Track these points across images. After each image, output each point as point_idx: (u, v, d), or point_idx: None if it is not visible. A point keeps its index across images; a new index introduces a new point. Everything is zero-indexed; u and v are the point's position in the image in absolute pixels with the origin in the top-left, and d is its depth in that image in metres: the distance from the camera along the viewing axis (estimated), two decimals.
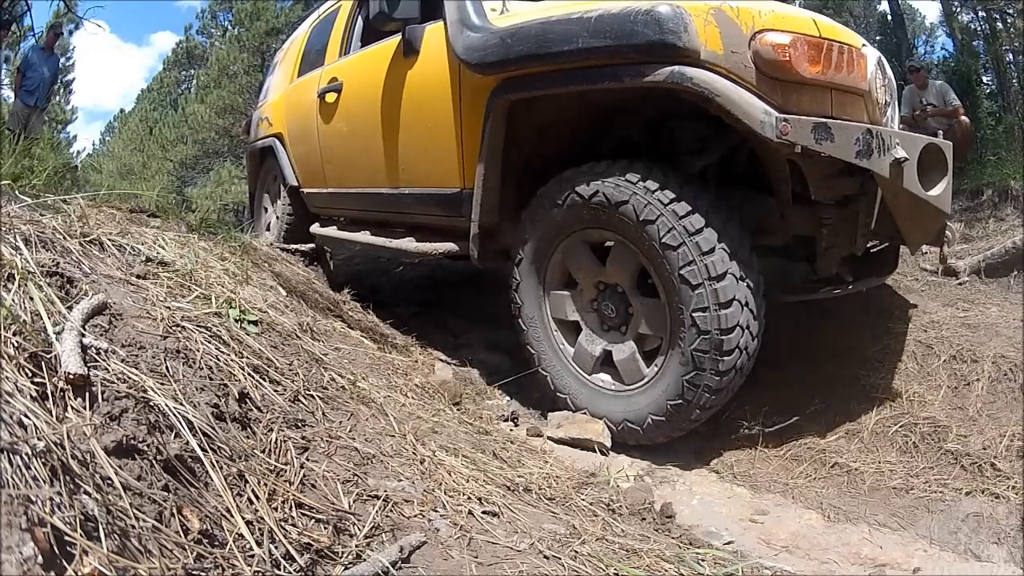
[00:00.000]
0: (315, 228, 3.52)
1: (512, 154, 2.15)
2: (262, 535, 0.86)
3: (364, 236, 3.01)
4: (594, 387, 2.03)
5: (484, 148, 2.11)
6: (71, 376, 0.84)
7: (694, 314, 1.69)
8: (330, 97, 3.08)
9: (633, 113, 2.12)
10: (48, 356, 0.86)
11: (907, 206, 1.79)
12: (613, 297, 2.00)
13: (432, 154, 2.42)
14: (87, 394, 0.85)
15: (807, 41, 1.65)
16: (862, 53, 1.82)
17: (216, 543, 0.81)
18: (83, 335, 0.94)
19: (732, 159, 2.08)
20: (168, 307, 1.21)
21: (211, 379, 1.08)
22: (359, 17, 3.22)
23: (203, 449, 0.91)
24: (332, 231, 3.35)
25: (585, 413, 2.01)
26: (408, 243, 2.64)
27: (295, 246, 3.22)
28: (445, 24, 2.28)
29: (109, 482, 0.75)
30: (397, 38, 2.53)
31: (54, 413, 0.79)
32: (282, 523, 0.90)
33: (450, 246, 2.45)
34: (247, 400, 1.12)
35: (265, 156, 4.11)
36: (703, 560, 1.23)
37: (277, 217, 3.94)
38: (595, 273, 2.02)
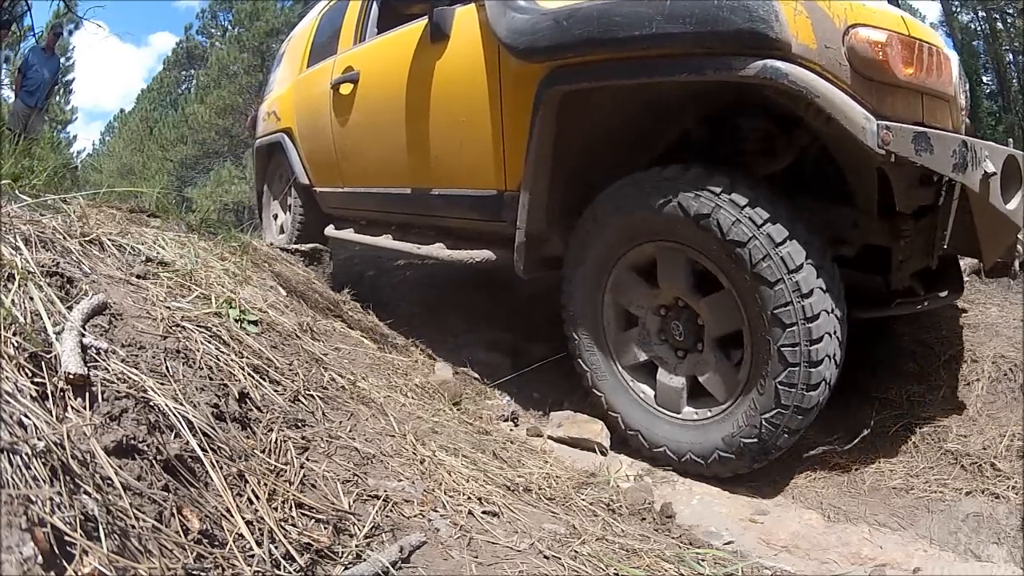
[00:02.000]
0: (330, 231, 3.31)
1: (562, 152, 1.93)
2: (262, 535, 0.86)
3: (386, 240, 2.80)
4: (644, 405, 1.88)
5: (533, 146, 1.88)
6: (71, 376, 0.84)
7: (779, 386, 1.56)
8: (345, 88, 2.83)
9: (694, 107, 1.91)
10: (48, 356, 0.86)
11: (989, 220, 1.69)
12: (688, 323, 1.80)
13: (467, 152, 2.19)
14: (87, 394, 0.85)
15: (900, 40, 1.51)
16: (946, 55, 1.68)
17: (216, 543, 0.81)
18: (83, 335, 0.94)
19: (801, 162, 1.90)
20: (168, 307, 1.21)
21: (211, 379, 1.08)
22: (374, 2, 2.98)
23: (203, 449, 0.91)
24: (349, 234, 3.13)
25: (640, 437, 1.85)
26: (437, 249, 2.41)
27: (295, 246, 3.19)
28: (479, 5, 2.06)
29: (109, 482, 0.75)
30: (420, 22, 2.31)
31: (54, 413, 0.79)
32: (282, 523, 0.90)
33: (487, 254, 2.23)
34: (247, 400, 1.12)
35: (273, 153, 3.87)
36: (703, 560, 1.23)
37: (288, 218, 3.74)
38: (666, 295, 1.81)
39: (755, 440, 1.62)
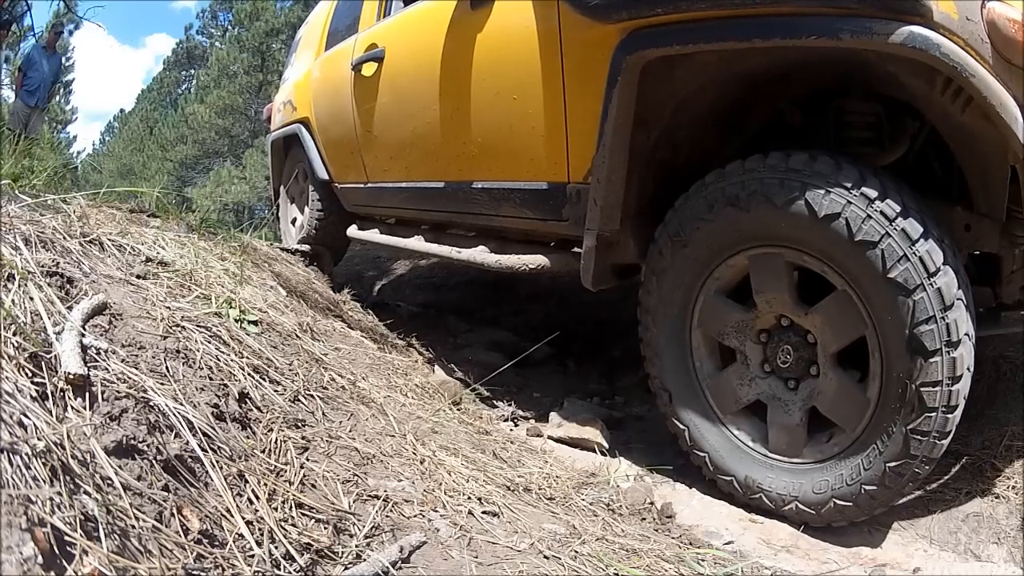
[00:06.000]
0: (353, 231, 3.06)
1: (640, 137, 1.62)
2: (262, 535, 0.86)
3: (417, 242, 2.52)
4: (754, 455, 1.61)
5: (609, 126, 1.55)
6: (71, 376, 0.84)
7: (910, 432, 1.32)
8: (368, 68, 2.50)
9: (793, 84, 1.64)
10: (48, 356, 0.86)
11: None
12: (796, 344, 1.53)
13: (519, 136, 1.87)
14: (87, 394, 0.85)
15: None
16: None
17: (216, 543, 0.81)
18: (83, 335, 0.94)
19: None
20: (168, 307, 1.21)
21: (211, 379, 1.08)
22: None
23: (203, 449, 0.91)
24: (374, 235, 2.86)
25: (763, 496, 1.55)
26: (480, 254, 2.12)
27: (295, 246, 3.18)
28: None
29: (109, 482, 0.75)
30: None
31: (54, 413, 0.79)
32: (282, 523, 0.90)
33: (541, 260, 1.93)
34: (247, 400, 1.12)
35: (290, 147, 3.55)
36: (703, 560, 1.23)
37: (304, 217, 3.46)
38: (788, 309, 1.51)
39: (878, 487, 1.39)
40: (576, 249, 1.85)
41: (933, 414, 1.30)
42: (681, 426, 1.67)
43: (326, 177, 3.09)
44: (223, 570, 0.77)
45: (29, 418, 0.74)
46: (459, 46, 2.01)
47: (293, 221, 3.74)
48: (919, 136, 1.58)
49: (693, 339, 1.65)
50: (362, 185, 2.82)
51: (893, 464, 1.36)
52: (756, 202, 1.43)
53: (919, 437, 1.32)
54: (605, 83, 1.56)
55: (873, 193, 1.31)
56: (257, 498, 0.91)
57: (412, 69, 2.29)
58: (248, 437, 1.04)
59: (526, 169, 1.88)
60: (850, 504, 1.43)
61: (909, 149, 1.59)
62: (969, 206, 1.50)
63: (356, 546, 0.93)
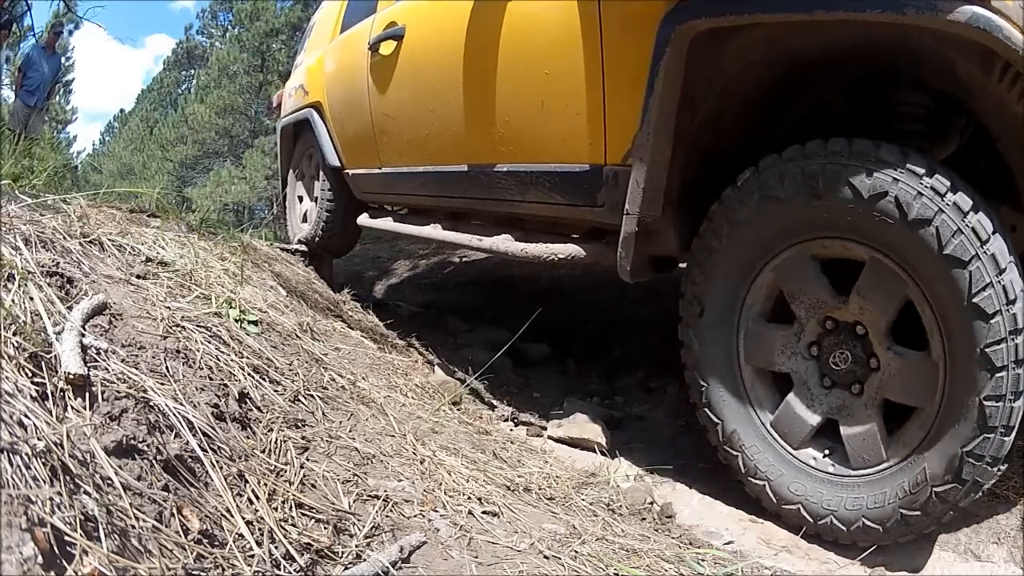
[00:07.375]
0: (363, 219, 2.93)
1: (685, 116, 1.51)
2: (262, 535, 0.86)
3: (433, 230, 2.40)
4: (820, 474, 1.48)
5: (654, 102, 1.45)
6: (71, 376, 0.84)
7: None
8: (386, 47, 2.38)
9: (840, 70, 1.56)
10: (48, 356, 0.86)
11: None
12: (847, 342, 1.42)
13: (551, 115, 1.74)
14: (87, 394, 0.85)
15: None
16: None
17: (216, 543, 0.81)
18: (83, 335, 0.94)
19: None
20: (168, 307, 1.21)
21: (211, 379, 1.09)
22: None
23: (203, 449, 0.91)
24: (387, 223, 2.74)
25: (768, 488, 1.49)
26: (504, 242, 1.97)
27: (295, 246, 3.17)
28: None
29: (109, 482, 0.75)
30: None
31: (54, 413, 0.79)
32: (282, 523, 0.90)
33: (574, 250, 1.78)
34: (247, 400, 1.12)
35: (300, 133, 3.41)
36: (703, 560, 1.23)
37: (313, 206, 3.32)
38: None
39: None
40: (608, 239, 1.75)
41: (992, 434, 1.22)
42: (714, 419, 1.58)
43: (337, 164, 2.97)
44: (223, 570, 0.77)
45: (29, 418, 0.74)
46: (486, 20, 1.88)
47: (300, 199, 3.65)
48: (965, 133, 1.52)
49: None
50: (376, 171, 2.67)
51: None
52: (833, 190, 1.32)
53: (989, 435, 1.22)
54: (651, 57, 1.44)
55: (967, 205, 1.23)
56: (257, 498, 0.91)
57: (434, 46, 2.17)
58: (248, 437, 1.04)
59: (558, 150, 1.75)
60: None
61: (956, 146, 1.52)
62: (1016, 206, 1.44)
63: (356, 546, 0.93)
